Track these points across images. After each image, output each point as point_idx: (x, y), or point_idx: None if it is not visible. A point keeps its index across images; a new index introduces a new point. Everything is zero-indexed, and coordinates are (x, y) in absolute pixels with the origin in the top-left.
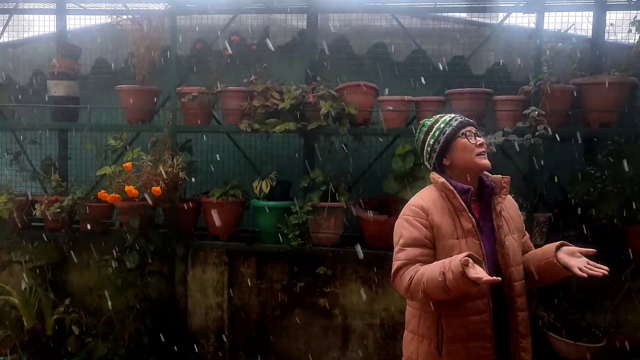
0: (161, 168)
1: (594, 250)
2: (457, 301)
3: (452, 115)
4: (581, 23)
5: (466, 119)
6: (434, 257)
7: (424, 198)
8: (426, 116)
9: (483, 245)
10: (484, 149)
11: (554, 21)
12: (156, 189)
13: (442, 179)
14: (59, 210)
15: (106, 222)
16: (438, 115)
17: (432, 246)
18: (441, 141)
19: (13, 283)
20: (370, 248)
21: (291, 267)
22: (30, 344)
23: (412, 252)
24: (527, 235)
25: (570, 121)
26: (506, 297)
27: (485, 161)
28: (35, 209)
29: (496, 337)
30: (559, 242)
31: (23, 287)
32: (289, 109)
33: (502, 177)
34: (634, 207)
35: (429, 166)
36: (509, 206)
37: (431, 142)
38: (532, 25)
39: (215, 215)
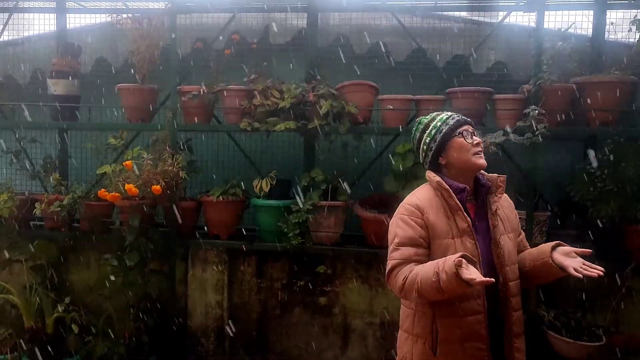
0: (161, 167)
1: (590, 250)
2: (452, 301)
3: (449, 113)
4: (581, 22)
5: (463, 117)
6: (429, 257)
7: (419, 197)
8: (426, 115)
9: (478, 245)
10: (480, 149)
11: (554, 20)
12: (156, 188)
13: (437, 178)
14: (59, 209)
15: (106, 221)
16: (435, 113)
17: (427, 245)
18: (437, 140)
19: (13, 282)
20: (371, 247)
21: (291, 266)
22: (31, 343)
23: (406, 251)
24: (523, 234)
25: (571, 120)
26: (501, 297)
27: (482, 161)
28: (36, 207)
29: (490, 337)
30: (554, 242)
31: (23, 286)
32: (289, 108)
33: (498, 176)
34: (634, 206)
35: (424, 164)
36: (505, 205)
37: (427, 141)
38: (533, 24)
39: (215, 214)
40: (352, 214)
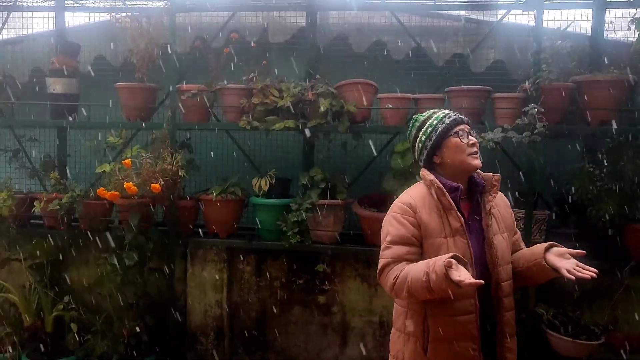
0: (160, 165)
1: (584, 252)
2: (444, 301)
3: (446, 111)
4: (580, 21)
5: (460, 116)
6: (421, 256)
7: (413, 195)
8: None
9: (471, 245)
10: (476, 149)
11: (553, 19)
12: (155, 187)
13: (431, 176)
14: (58, 207)
15: (105, 220)
16: (432, 111)
17: (419, 244)
18: (433, 138)
19: (12, 281)
20: (370, 246)
21: (290, 265)
22: (30, 342)
23: (398, 250)
24: (519, 233)
25: (570, 119)
26: (493, 297)
27: (477, 162)
28: (35, 206)
29: (482, 337)
30: (548, 243)
31: (22, 284)
32: (288, 107)
33: (493, 175)
34: (633, 205)
35: (419, 162)
36: (500, 204)
37: (422, 139)
38: (532, 23)
39: (214, 212)
40: (351, 213)
